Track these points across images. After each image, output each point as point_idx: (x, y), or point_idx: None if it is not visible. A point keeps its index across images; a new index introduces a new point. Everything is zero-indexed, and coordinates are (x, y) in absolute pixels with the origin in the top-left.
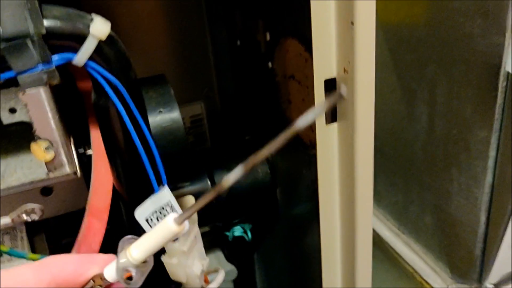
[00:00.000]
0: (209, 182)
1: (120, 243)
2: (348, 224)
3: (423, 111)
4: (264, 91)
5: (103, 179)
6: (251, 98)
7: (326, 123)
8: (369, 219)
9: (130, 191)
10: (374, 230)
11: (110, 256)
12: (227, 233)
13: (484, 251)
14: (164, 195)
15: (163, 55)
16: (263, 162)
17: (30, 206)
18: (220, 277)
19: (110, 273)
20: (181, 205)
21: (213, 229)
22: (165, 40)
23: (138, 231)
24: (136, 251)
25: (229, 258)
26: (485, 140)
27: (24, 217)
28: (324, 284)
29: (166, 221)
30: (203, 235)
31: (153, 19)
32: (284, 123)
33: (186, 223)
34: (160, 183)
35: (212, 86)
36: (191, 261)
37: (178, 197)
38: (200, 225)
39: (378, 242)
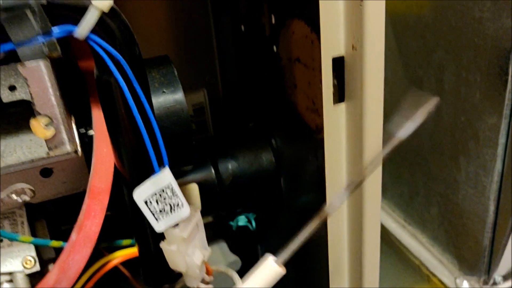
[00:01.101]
0: (213, 170)
1: None
2: (355, 211)
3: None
4: (269, 76)
5: (104, 160)
6: (255, 84)
7: (333, 103)
8: (378, 207)
9: (132, 173)
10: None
11: None
12: (231, 223)
13: (493, 241)
14: (164, 176)
15: (165, 41)
16: (267, 149)
17: (19, 186)
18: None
19: None
20: (184, 194)
21: (217, 219)
22: (167, 25)
23: (141, 215)
24: None
25: (233, 249)
26: (494, 127)
27: (14, 197)
28: (330, 277)
29: (267, 263)
30: (207, 225)
31: (155, 3)
32: (289, 108)
33: (188, 208)
34: (161, 164)
35: (215, 73)
36: (192, 249)
37: (182, 185)
38: (203, 214)
39: (384, 234)
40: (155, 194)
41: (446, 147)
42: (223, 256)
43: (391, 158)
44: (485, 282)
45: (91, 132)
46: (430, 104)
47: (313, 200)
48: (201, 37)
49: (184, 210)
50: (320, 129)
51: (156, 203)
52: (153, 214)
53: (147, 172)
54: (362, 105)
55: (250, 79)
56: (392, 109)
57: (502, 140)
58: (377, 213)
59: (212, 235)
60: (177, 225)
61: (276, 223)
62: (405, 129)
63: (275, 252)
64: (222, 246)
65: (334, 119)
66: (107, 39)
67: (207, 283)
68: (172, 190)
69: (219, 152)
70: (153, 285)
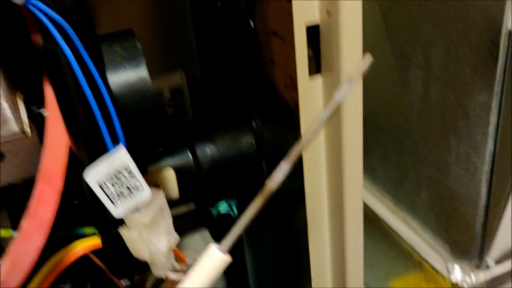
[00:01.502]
0: (190, 155)
1: None
2: (336, 191)
3: (417, 76)
4: (247, 54)
5: (57, 140)
6: (234, 63)
7: (309, 75)
8: (359, 185)
9: (86, 153)
10: (369, 207)
11: None
12: (212, 210)
13: (485, 225)
14: (119, 156)
15: (138, 20)
16: (247, 132)
17: None
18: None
19: None
20: (160, 179)
21: (198, 206)
22: (140, 3)
23: (99, 200)
24: None
25: (215, 237)
26: (485, 105)
27: None
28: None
29: (210, 251)
30: (188, 213)
31: None
32: (268, 87)
33: (148, 191)
34: (116, 142)
35: (192, 53)
36: (156, 236)
37: (157, 171)
38: (183, 201)
39: (373, 220)
40: (110, 175)
41: (435, 127)
42: (206, 245)
43: (378, 140)
44: (477, 267)
45: (45, 112)
46: (364, 63)
47: (295, 184)
48: (176, 15)
49: (144, 193)
50: (298, 106)
51: (112, 186)
52: (110, 198)
53: (102, 152)
54: (340, 77)
55: (228, 58)
56: (378, 88)
57: (493, 118)
58: (359, 183)
59: (194, 224)
60: (137, 210)
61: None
62: (342, 90)
63: (260, 239)
64: (205, 235)
65: (310, 92)
66: (48, 2)
67: (178, 271)
68: (129, 171)
69: (196, 135)
70: (121, 276)
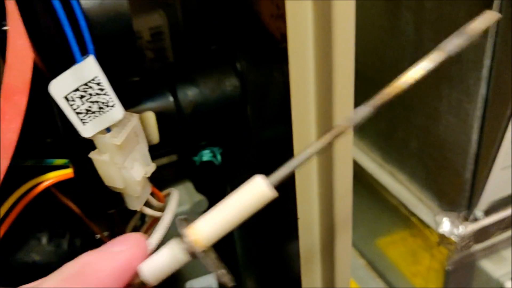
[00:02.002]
0: (171, 98)
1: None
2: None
3: (409, 21)
4: None
5: (19, 54)
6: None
7: None
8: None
9: (51, 66)
10: (356, 163)
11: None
12: (195, 158)
13: (475, 174)
14: (88, 66)
15: None
16: (231, 74)
17: None
18: (174, 199)
19: (152, 273)
20: (141, 123)
21: (181, 156)
22: None
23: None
24: (206, 229)
25: (199, 188)
26: (479, 47)
27: None
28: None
29: (253, 181)
30: (171, 164)
31: None
32: (253, 20)
33: (121, 109)
34: (85, 53)
35: None
36: (130, 162)
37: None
38: (163, 147)
39: (361, 176)
40: (78, 89)
41: (427, 74)
42: (189, 196)
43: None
44: (466, 218)
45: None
46: (486, 19)
47: (282, 131)
48: None
49: (116, 111)
50: (285, 36)
51: (80, 101)
52: (78, 115)
53: (69, 65)
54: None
55: None
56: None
57: (487, 61)
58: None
59: (177, 175)
60: (108, 130)
61: (244, 157)
62: (452, 43)
63: None
64: (188, 186)
65: (299, 12)
66: None
67: (155, 208)
68: (99, 84)
69: (178, 78)
70: (93, 211)
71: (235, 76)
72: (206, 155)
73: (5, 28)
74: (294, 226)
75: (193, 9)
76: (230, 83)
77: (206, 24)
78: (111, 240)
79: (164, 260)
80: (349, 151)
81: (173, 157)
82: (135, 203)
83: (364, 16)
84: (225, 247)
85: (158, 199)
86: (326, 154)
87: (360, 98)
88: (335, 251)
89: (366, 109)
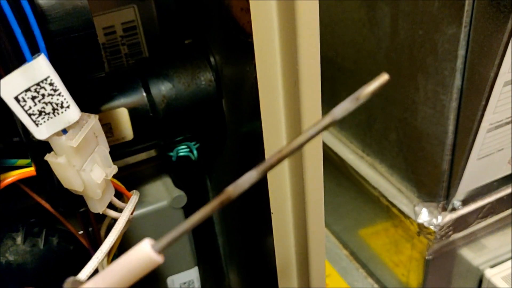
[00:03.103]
0: (144, 93)
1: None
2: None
3: (385, 13)
4: None
5: None
6: None
7: None
8: (318, 108)
9: (7, 66)
10: (337, 155)
11: None
12: (171, 154)
13: (452, 164)
14: (39, 66)
15: None
16: (205, 68)
17: None
18: (131, 203)
19: None
20: (113, 120)
21: (158, 152)
22: None
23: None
24: None
25: (177, 184)
26: (453, 38)
27: None
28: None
29: (140, 246)
30: (150, 159)
31: None
32: (225, 14)
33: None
34: (35, 51)
35: None
36: (90, 165)
37: (109, 110)
38: (138, 143)
39: (342, 168)
40: (30, 90)
41: (403, 66)
42: (167, 192)
43: (346, 84)
44: (444, 208)
45: None
46: (378, 82)
47: (257, 124)
48: None
49: (71, 112)
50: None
51: (32, 102)
52: (30, 117)
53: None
54: None
55: None
56: (346, 29)
57: (461, 51)
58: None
59: (156, 170)
60: (65, 131)
61: (221, 151)
62: (341, 108)
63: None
64: (167, 181)
65: (263, 6)
66: None
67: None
68: (52, 85)
69: (151, 73)
70: (62, 210)
71: (209, 70)
72: (182, 150)
73: None
74: (269, 220)
75: (167, 4)
76: (205, 78)
77: (180, 19)
78: None
79: None
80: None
81: (152, 153)
82: (97, 206)
83: (342, 9)
84: (207, 242)
85: (125, 196)
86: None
87: (339, 88)
88: (308, 241)
89: (253, 174)
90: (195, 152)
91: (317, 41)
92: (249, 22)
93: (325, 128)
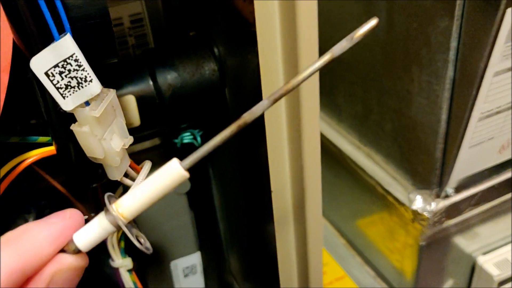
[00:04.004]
0: (151, 81)
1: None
2: (294, 122)
3: (381, 7)
4: None
5: (0, 34)
6: None
7: None
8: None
9: (31, 46)
10: (335, 146)
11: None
12: (175, 140)
13: (445, 152)
14: (66, 44)
15: None
16: (209, 58)
17: None
18: (145, 169)
19: (83, 241)
20: (122, 106)
21: (163, 139)
22: None
23: (46, 96)
24: (128, 204)
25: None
26: (446, 30)
27: None
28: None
29: (169, 164)
30: (153, 148)
31: None
32: (227, 5)
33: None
34: (62, 31)
35: None
36: (109, 135)
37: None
38: (145, 130)
39: (340, 158)
40: (58, 65)
41: (398, 58)
42: None
43: (344, 76)
44: (437, 195)
45: None
46: (369, 25)
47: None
48: None
49: (94, 86)
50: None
51: (59, 77)
52: (58, 90)
53: (47, 44)
54: None
55: None
56: (344, 23)
57: (453, 43)
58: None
59: (161, 158)
60: (87, 103)
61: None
62: (340, 45)
63: (226, 173)
64: None
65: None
66: None
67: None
68: (77, 61)
69: (158, 63)
70: (78, 185)
71: (213, 60)
72: (186, 137)
73: None
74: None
75: None
76: (209, 67)
77: (185, 11)
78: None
79: (93, 230)
80: (316, 128)
81: (156, 141)
82: (115, 173)
83: (340, 4)
84: (209, 227)
85: (135, 171)
86: (295, 131)
87: (338, 79)
88: (306, 217)
89: (265, 102)
90: (199, 139)
91: (315, 27)
92: (252, 12)
93: (326, 62)
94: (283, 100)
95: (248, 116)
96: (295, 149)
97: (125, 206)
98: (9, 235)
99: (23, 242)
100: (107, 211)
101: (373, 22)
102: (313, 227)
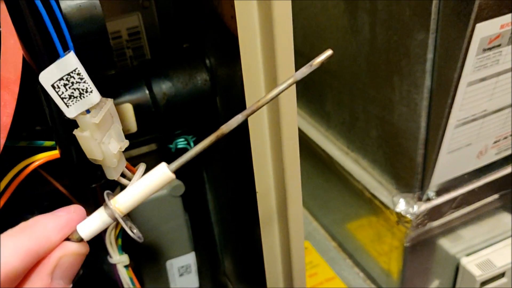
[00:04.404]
0: (147, 91)
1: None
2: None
3: (365, 21)
4: None
5: (12, 51)
6: (187, 2)
7: None
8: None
9: (39, 61)
10: (325, 151)
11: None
12: (170, 146)
13: (425, 158)
14: (70, 60)
15: None
16: (201, 69)
17: None
18: (140, 170)
19: (85, 231)
20: (119, 114)
21: (159, 146)
22: None
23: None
24: (124, 200)
25: (176, 174)
26: (423, 43)
27: None
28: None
29: (158, 168)
30: (150, 153)
31: None
32: (217, 22)
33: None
34: (66, 49)
35: None
36: (107, 139)
37: (115, 106)
38: (141, 136)
39: (329, 163)
40: (62, 79)
41: (381, 69)
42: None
43: (331, 85)
44: (419, 198)
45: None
46: (325, 56)
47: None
48: None
49: (94, 96)
50: None
51: (64, 88)
52: (63, 100)
53: (53, 59)
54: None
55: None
56: (331, 35)
57: (430, 55)
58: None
59: (156, 163)
60: (88, 111)
61: (217, 145)
62: (301, 72)
63: (219, 177)
64: None
65: (246, 14)
66: None
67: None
68: (79, 74)
69: (153, 73)
70: (80, 185)
71: (205, 71)
72: (180, 143)
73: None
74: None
75: (167, 12)
76: (201, 78)
77: (179, 25)
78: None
79: (94, 222)
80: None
81: (153, 146)
82: (113, 173)
83: (328, 17)
84: (204, 229)
85: (131, 172)
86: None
87: (325, 88)
88: (288, 214)
89: (239, 117)
90: (192, 144)
91: (291, 43)
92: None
93: (290, 85)
94: (265, 114)
95: (225, 128)
96: (277, 155)
97: (121, 202)
98: (23, 224)
99: (36, 229)
100: (106, 206)
101: (328, 52)
102: (294, 224)
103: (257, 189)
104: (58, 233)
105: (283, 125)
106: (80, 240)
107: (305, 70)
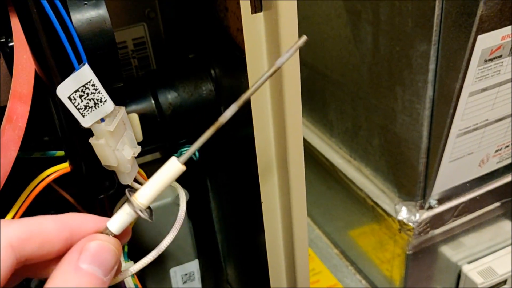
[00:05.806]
0: (153, 101)
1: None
2: (280, 135)
3: (368, 31)
4: (204, 5)
5: (24, 66)
6: (194, 15)
7: (251, 13)
8: (298, 106)
9: (53, 76)
10: (328, 160)
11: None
12: (175, 155)
13: (427, 166)
14: (85, 73)
15: None
16: (206, 79)
17: None
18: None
19: (115, 226)
20: None
21: (164, 154)
22: None
23: (63, 116)
24: (143, 194)
25: (181, 182)
26: (425, 54)
27: None
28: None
29: (169, 162)
30: (155, 161)
31: None
32: (223, 34)
33: (111, 103)
34: (80, 62)
35: (155, 7)
36: (121, 145)
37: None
38: (147, 145)
39: (332, 171)
40: (78, 90)
41: (383, 78)
42: (172, 190)
43: (334, 94)
44: (421, 206)
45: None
46: (300, 41)
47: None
48: None
49: (108, 105)
50: None
51: (80, 99)
52: (79, 110)
53: (68, 73)
54: (278, 14)
55: (188, 10)
56: (334, 45)
57: (432, 66)
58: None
59: None
60: (102, 120)
61: (221, 153)
62: (282, 58)
63: (223, 186)
64: None
65: (253, 27)
66: None
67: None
68: (94, 85)
69: (159, 83)
70: (88, 196)
71: (210, 81)
72: (185, 152)
73: (11, 44)
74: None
75: (172, 23)
76: (206, 88)
77: (184, 36)
78: None
79: (121, 217)
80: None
81: (157, 155)
82: (126, 179)
83: (331, 27)
84: (207, 238)
85: (142, 178)
86: (280, 141)
87: (329, 97)
88: (293, 224)
89: (233, 107)
90: (196, 153)
91: (297, 56)
92: (244, 41)
93: (274, 72)
94: (270, 123)
95: (222, 118)
96: (282, 164)
97: (142, 198)
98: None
99: (73, 215)
100: (129, 201)
101: (303, 38)
102: (299, 231)
103: (262, 200)
104: (93, 221)
105: (288, 133)
106: (111, 234)
107: (285, 56)
